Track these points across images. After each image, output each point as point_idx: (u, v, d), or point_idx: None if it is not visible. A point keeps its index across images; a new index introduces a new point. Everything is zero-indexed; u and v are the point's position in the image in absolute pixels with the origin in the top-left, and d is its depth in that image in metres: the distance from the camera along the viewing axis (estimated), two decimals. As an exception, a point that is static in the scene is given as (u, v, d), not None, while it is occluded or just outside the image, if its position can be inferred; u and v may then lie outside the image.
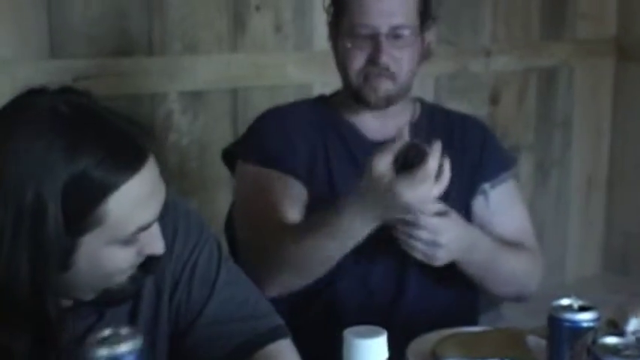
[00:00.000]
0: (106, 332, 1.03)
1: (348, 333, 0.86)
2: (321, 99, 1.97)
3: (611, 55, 3.45)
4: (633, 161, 3.46)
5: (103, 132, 1.15)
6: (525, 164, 3.32)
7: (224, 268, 1.38)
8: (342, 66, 1.82)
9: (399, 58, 1.78)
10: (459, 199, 1.88)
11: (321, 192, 1.82)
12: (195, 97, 2.53)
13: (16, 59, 2.20)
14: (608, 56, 3.45)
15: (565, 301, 1.34)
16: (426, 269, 1.77)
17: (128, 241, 1.19)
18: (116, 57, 2.36)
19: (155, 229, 1.23)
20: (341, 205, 1.59)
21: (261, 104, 2.54)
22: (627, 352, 1.17)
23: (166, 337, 1.35)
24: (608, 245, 3.60)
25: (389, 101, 1.82)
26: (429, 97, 2.99)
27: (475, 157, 1.91)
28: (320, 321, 1.81)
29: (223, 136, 2.47)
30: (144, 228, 1.19)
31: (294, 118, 1.89)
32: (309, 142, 1.85)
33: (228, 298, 1.36)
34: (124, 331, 1.04)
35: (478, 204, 1.92)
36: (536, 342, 1.45)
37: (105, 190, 1.13)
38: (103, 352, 1.02)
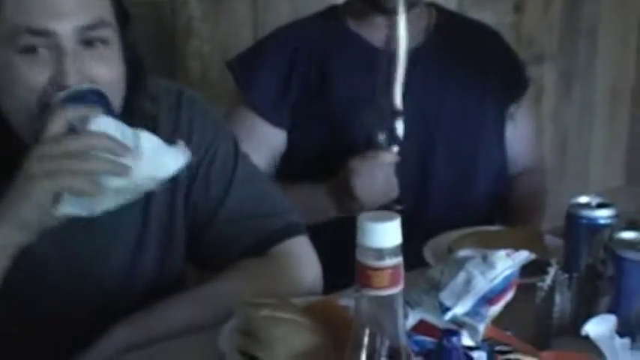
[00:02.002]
0: None
1: (361, 217, 0.86)
2: (332, 10, 1.93)
3: (641, -38, 3.36)
4: (660, 72, 3.41)
5: None
6: (549, 74, 3.27)
7: (241, 166, 1.39)
8: None
9: None
10: (494, 125, 1.88)
11: (318, 109, 1.82)
12: (215, 3, 2.50)
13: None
14: (637, -37, 3.36)
15: (583, 199, 1.34)
16: (448, 180, 1.79)
17: (26, 47, 1.16)
18: (136, -38, 2.34)
19: (67, 60, 1.17)
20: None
21: (282, 10, 2.52)
22: (644, 246, 1.17)
23: (183, 234, 1.37)
24: (632, 158, 3.56)
25: (410, 5, 1.78)
26: (452, 6, 2.92)
27: (498, 74, 1.90)
28: (339, 230, 1.82)
29: (245, 42, 2.45)
30: (36, 32, 1.15)
31: (299, 40, 1.87)
32: (304, 67, 1.84)
33: (245, 196, 1.37)
34: None
35: (508, 130, 1.92)
36: (554, 241, 1.46)
37: None
38: None
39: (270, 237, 1.35)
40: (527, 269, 1.27)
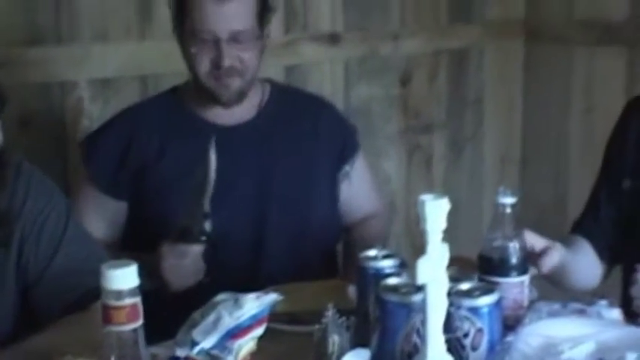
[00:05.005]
0: None
1: (103, 266, 1.02)
2: (173, 91, 2.10)
3: (520, 35, 3.53)
4: (545, 137, 3.57)
5: None
6: (438, 143, 3.43)
7: (71, 227, 1.55)
8: (191, 68, 1.95)
9: (243, 58, 1.90)
10: (326, 187, 2.04)
11: (151, 183, 1.97)
12: (104, 85, 2.62)
13: None
14: (517, 37, 3.53)
15: (372, 252, 1.50)
16: (283, 242, 1.93)
17: None
18: (24, 46, 2.46)
19: None
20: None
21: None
22: (404, 290, 1.33)
23: (13, 296, 1.51)
24: (523, 220, 3.71)
25: (241, 96, 1.96)
26: (339, 81, 3.12)
27: (328, 140, 2.07)
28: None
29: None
30: None
31: (138, 120, 2.03)
32: (143, 142, 1.99)
33: (73, 253, 1.53)
34: None
35: (344, 188, 2.09)
36: (355, 290, 1.60)
37: None
38: None
39: (92, 293, 1.48)
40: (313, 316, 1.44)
